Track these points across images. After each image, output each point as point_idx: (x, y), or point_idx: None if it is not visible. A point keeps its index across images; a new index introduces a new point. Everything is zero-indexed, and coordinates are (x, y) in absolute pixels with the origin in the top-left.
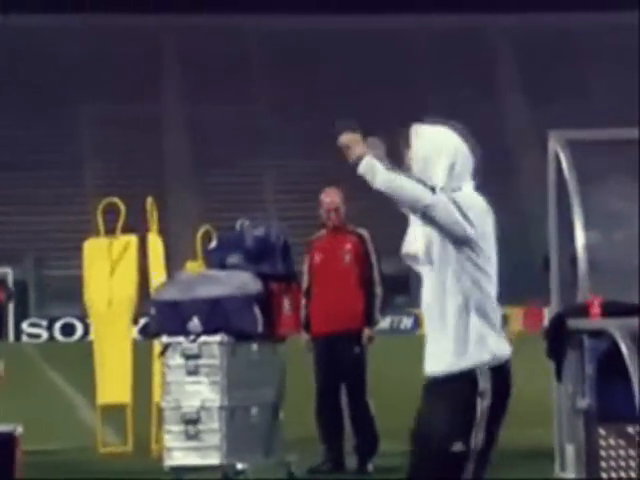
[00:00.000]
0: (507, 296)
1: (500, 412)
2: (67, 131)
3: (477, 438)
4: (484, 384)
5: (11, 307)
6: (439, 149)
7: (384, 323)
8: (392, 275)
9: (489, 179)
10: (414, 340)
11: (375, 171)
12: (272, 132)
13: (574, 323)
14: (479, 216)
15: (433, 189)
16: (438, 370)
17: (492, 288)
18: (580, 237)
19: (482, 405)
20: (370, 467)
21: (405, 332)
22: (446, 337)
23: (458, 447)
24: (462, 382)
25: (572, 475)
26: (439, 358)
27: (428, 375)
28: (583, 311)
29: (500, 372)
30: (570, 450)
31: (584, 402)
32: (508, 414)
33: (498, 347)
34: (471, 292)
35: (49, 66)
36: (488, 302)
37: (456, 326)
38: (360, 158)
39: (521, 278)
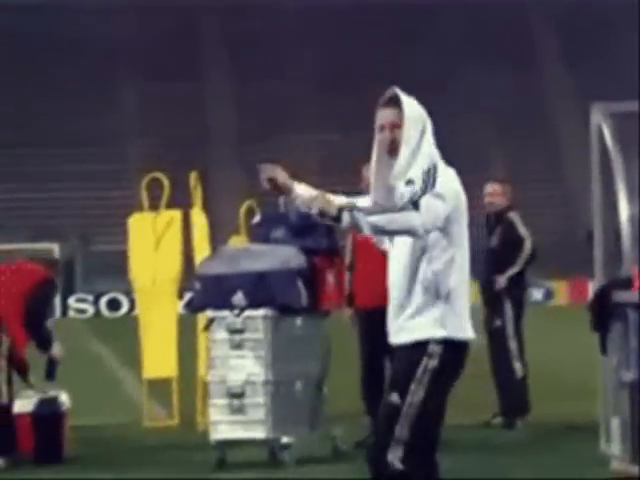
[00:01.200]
0: (552, 270)
1: (450, 382)
2: (112, 108)
3: (415, 394)
4: (434, 348)
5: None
6: (425, 123)
7: None
8: None
9: (532, 153)
10: None
11: (360, 224)
12: (315, 108)
13: (618, 296)
14: (455, 191)
15: (415, 203)
16: (398, 341)
17: (466, 261)
18: (624, 210)
19: (427, 363)
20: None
21: None
22: (408, 314)
23: (394, 398)
24: (415, 348)
25: (617, 448)
26: (402, 331)
27: (392, 344)
28: (627, 284)
29: (455, 349)
30: (615, 423)
31: (629, 375)
32: (553, 387)
33: (455, 329)
34: (442, 275)
35: (95, 44)
36: (459, 286)
37: (419, 306)
38: (338, 216)
39: (566, 252)
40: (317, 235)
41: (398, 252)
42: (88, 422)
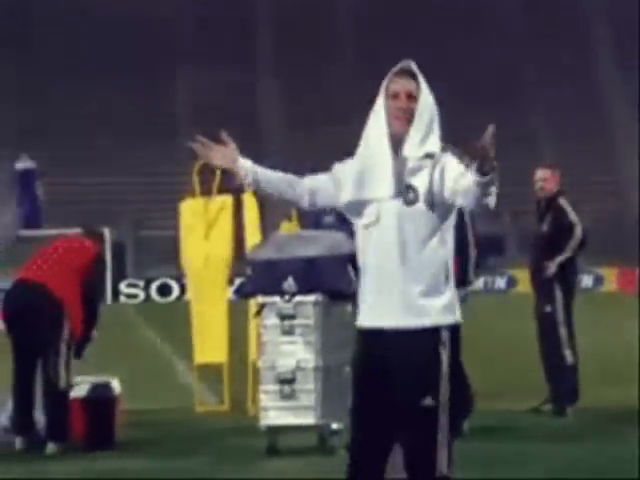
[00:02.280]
0: (601, 257)
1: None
2: (164, 93)
3: (445, 391)
4: (445, 335)
5: (108, 268)
6: (434, 107)
7: (478, 283)
8: (486, 234)
9: (583, 142)
10: (508, 300)
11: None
12: (361, 97)
13: None
14: None
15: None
16: (403, 325)
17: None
18: None
19: (443, 354)
20: (466, 427)
21: (499, 292)
22: (414, 296)
23: (429, 402)
24: (424, 335)
25: None
26: (407, 314)
27: (388, 328)
28: None
29: (457, 334)
30: None
31: None
32: (602, 373)
33: (458, 314)
34: (449, 258)
35: (145, 31)
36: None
37: (428, 290)
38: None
39: (615, 239)
40: None
41: (407, 230)
42: (139, 407)
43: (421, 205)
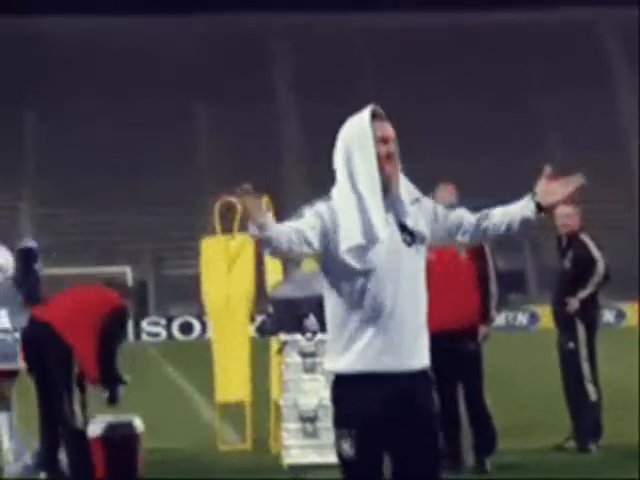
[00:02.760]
0: (621, 291)
1: None
2: (183, 131)
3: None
4: (432, 376)
5: (130, 306)
6: None
7: (499, 319)
8: (507, 271)
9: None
10: (530, 336)
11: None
12: None
13: None
14: None
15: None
16: (416, 367)
17: None
18: None
19: (435, 397)
20: (488, 464)
21: (521, 328)
22: (423, 334)
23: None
24: (425, 376)
25: None
26: (423, 353)
27: (416, 369)
28: None
29: None
30: None
31: None
32: (625, 409)
33: None
34: None
35: (164, 66)
36: None
37: (421, 332)
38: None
39: (636, 273)
40: None
41: (407, 270)
42: (162, 445)
43: (417, 245)
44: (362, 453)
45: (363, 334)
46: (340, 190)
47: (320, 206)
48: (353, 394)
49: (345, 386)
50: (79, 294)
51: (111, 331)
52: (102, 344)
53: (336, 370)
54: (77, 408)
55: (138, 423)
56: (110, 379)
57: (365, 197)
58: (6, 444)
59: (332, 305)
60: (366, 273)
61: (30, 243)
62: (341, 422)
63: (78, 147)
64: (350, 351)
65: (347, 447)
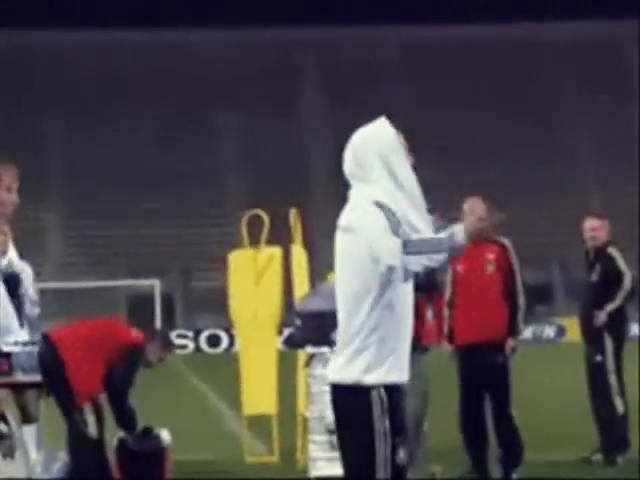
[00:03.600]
0: None
1: None
2: (211, 144)
3: None
4: None
5: (158, 319)
6: None
7: (526, 332)
8: (534, 284)
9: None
10: (557, 349)
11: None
12: (411, 143)
13: None
14: None
15: None
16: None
17: None
18: None
19: None
20: (514, 477)
21: (548, 341)
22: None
23: None
24: None
25: None
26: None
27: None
28: None
29: None
30: None
31: None
32: None
33: None
34: None
35: (192, 80)
36: None
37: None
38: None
39: None
40: None
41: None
42: (189, 458)
43: None
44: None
45: (400, 345)
46: (394, 196)
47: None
48: (399, 404)
49: (395, 397)
50: (98, 322)
51: (124, 368)
52: (113, 382)
53: (388, 382)
54: (90, 417)
55: (165, 435)
56: (127, 419)
57: (418, 204)
58: (34, 455)
59: (377, 317)
60: (405, 281)
61: (16, 268)
62: (397, 431)
63: (106, 159)
64: (394, 363)
65: (403, 454)
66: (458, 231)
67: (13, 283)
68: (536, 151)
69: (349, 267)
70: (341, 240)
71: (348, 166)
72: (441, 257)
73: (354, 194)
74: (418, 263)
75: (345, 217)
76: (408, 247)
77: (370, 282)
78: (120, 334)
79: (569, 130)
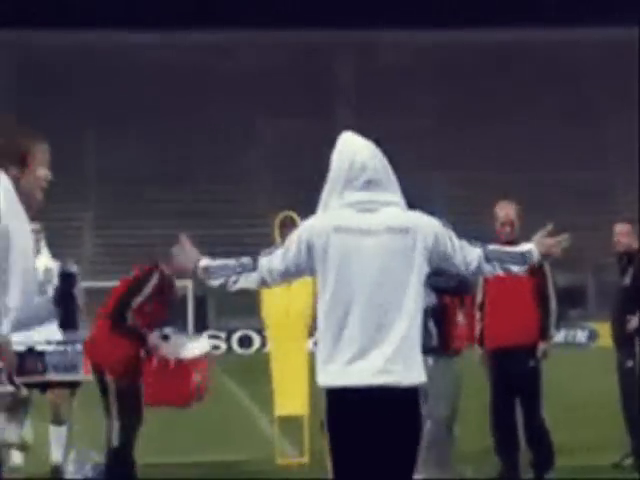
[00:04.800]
0: None
1: None
2: (244, 145)
3: None
4: None
5: (191, 319)
6: None
7: (558, 336)
8: (567, 288)
9: None
10: (589, 354)
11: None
12: (438, 145)
13: None
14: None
15: None
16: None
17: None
18: None
19: None
20: None
21: (580, 346)
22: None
23: None
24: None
25: None
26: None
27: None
28: None
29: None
30: None
31: None
32: None
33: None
34: None
35: (224, 81)
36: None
37: None
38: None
39: None
40: (448, 273)
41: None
42: (220, 458)
43: None
44: None
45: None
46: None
47: None
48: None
49: None
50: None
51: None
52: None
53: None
54: (114, 428)
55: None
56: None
57: None
58: (68, 455)
59: (418, 319)
60: None
61: (72, 268)
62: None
63: (141, 157)
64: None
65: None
66: (534, 250)
67: (69, 282)
68: (570, 154)
69: (404, 267)
70: (392, 241)
71: (376, 173)
72: (518, 269)
73: (374, 199)
74: (492, 270)
75: (381, 219)
76: (488, 253)
77: (422, 284)
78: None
79: (602, 133)
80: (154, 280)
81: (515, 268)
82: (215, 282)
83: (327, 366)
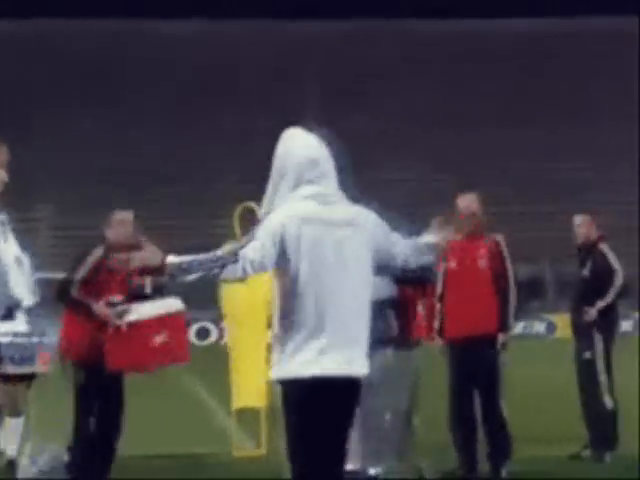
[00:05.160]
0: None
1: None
2: (252, 142)
3: None
4: None
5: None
6: None
7: (517, 327)
8: (526, 280)
9: (625, 184)
10: (547, 345)
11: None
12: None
13: None
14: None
15: None
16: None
17: None
18: None
19: None
20: (504, 472)
21: (538, 337)
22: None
23: None
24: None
25: None
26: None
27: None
28: None
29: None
30: None
31: None
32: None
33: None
34: None
35: (230, 75)
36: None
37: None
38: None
39: None
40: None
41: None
42: (177, 451)
43: None
44: None
45: None
46: None
47: None
48: None
49: None
50: None
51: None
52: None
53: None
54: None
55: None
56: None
57: None
58: (20, 448)
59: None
60: None
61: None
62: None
63: (153, 150)
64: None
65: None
66: (432, 240)
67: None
68: (528, 148)
69: (361, 258)
70: (351, 232)
71: (324, 166)
72: (428, 260)
73: (329, 192)
74: (419, 262)
75: (340, 212)
76: (413, 245)
77: (372, 275)
78: None
79: (556, 127)
80: (98, 252)
81: (426, 258)
82: (191, 277)
83: (297, 355)
